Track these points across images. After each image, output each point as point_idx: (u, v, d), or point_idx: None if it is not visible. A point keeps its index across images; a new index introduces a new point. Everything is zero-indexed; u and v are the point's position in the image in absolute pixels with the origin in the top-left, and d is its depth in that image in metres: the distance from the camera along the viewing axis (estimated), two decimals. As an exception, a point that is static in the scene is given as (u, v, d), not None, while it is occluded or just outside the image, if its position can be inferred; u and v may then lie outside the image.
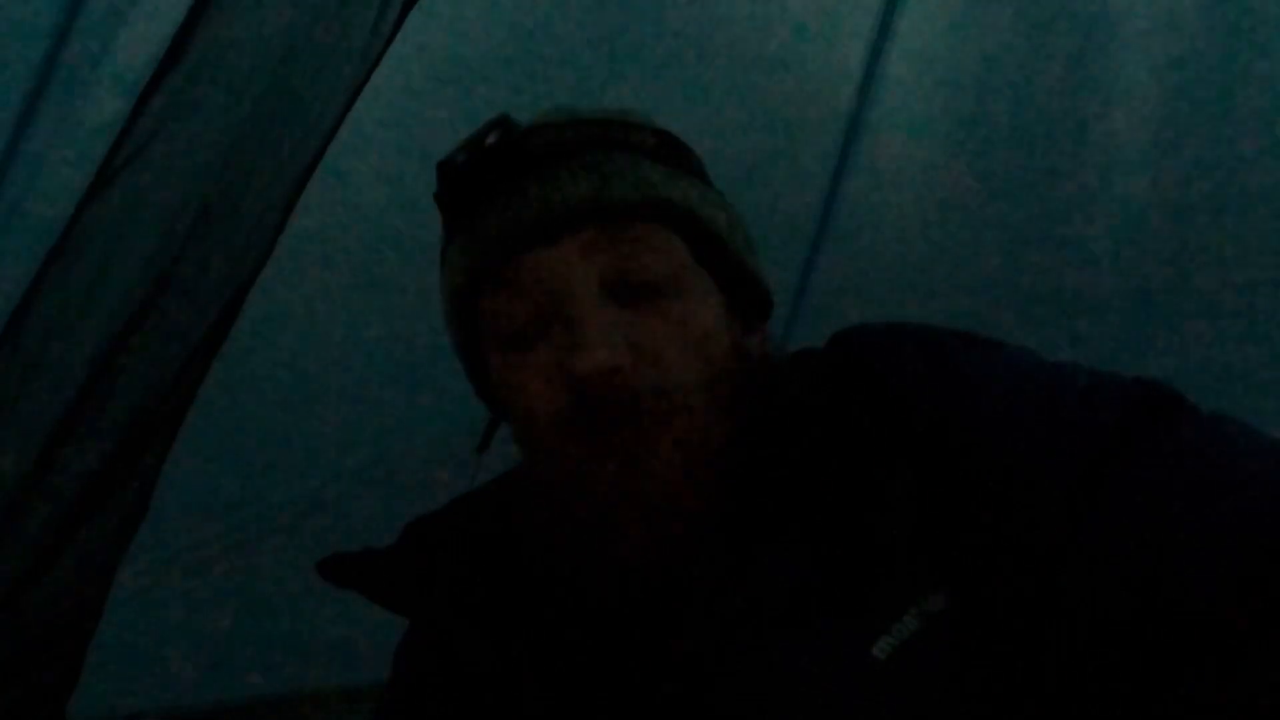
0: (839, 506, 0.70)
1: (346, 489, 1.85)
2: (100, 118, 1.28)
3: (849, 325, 0.80)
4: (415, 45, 1.56)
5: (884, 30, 1.83)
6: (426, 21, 1.51)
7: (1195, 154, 1.86)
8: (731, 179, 0.85)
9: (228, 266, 1.00)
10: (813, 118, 1.89)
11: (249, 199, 0.99)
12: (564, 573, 0.78)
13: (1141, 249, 1.92)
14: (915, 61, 1.87)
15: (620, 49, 1.71)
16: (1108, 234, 1.92)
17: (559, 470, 0.73)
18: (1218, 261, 1.90)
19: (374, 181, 1.70)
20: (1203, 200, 1.88)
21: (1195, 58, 1.81)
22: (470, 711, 0.77)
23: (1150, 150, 1.87)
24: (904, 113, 1.91)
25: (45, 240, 1.04)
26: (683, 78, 1.76)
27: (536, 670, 0.75)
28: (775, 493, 0.72)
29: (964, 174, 1.93)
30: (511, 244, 0.74)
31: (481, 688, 0.77)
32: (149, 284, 1.01)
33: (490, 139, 0.76)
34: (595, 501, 0.71)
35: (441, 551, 0.80)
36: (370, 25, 0.93)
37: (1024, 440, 0.67)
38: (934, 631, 0.66)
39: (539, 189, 0.74)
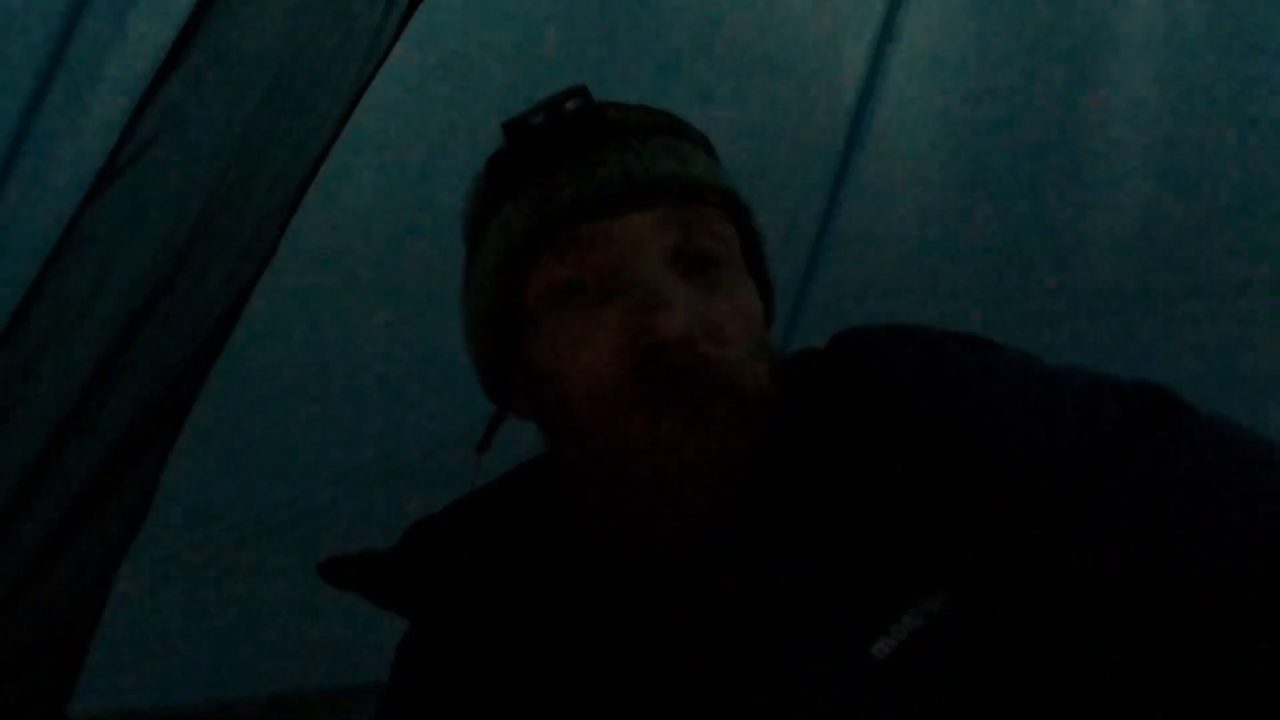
0: (839, 506, 0.70)
1: (346, 490, 1.85)
2: (103, 117, 1.28)
3: (850, 326, 0.80)
4: (417, 45, 1.56)
5: (886, 32, 1.83)
6: (428, 21, 1.51)
7: (1196, 156, 1.87)
8: (734, 180, 0.86)
9: (229, 267, 1.00)
10: (815, 119, 1.90)
11: (251, 200, 0.99)
12: (569, 571, 0.78)
13: (1142, 251, 1.92)
14: (917, 64, 1.87)
15: (622, 50, 1.71)
16: (1109, 235, 1.92)
17: (611, 436, 0.72)
18: (1218, 263, 1.90)
19: (375, 181, 1.70)
20: (1203, 202, 1.88)
21: (1196, 60, 1.81)
22: (471, 712, 0.78)
23: (1151, 152, 1.87)
24: (906, 114, 1.91)
25: (47, 240, 1.04)
26: (685, 78, 1.77)
27: (537, 670, 0.75)
28: (776, 492, 0.72)
29: (966, 175, 1.93)
30: (587, 209, 0.74)
31: (482, 688, 0.77)
32: (150, 285, 1.01)
33: (570, 105, 0.77)
34: (648, 464, 0.71)
35: (443, 553, 0.80)
36: (375, 26, 0.92)
37: (1024, 441, 0.67)
38: (933, 631, 0.67)
39: (622, 159, 0.75)
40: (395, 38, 0.94)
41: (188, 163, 0.99)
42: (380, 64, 0.95)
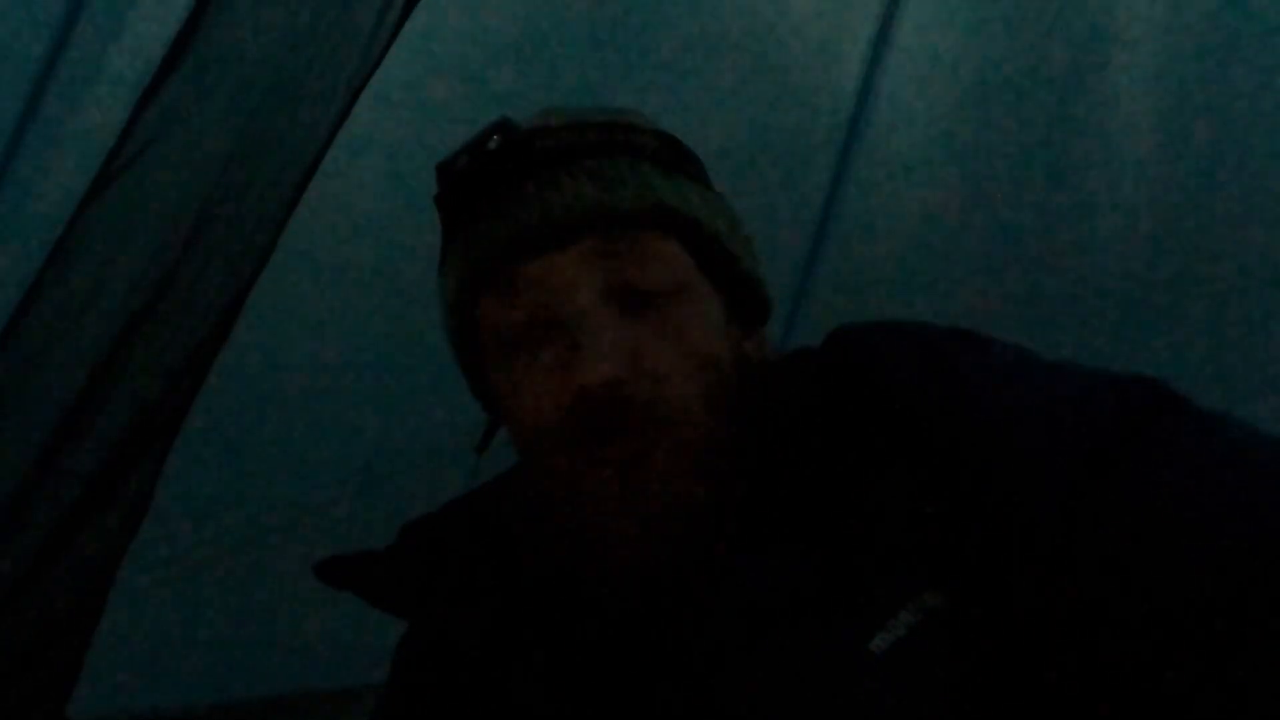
0: (836, 504, 0.70)
1: (344, 490, 1.85)
2: (101, 118, 1.28)
3: (844, 323, 0.80)
4: (415, 44, 1.56)
5: (884, 32, 1.83)
6: (427, 20, 1.51)
7: (1195, 155, 1.87)
8: (732, 180, 0.85)
9: (228, 267, 1.00)
10: (814, 119, 1.90)
11: (250, 199, 1.00)
12: (561, 574, 0.78)
13: (1141, 249, 1.92)
14: (915, 63, 1.87)
15: (621, 50, 1.71)
16: (1108, 235, 1.92)
17: (557, 478, 0.73)
18: (1217, 262, 1.90)
19: (374, 181, 1.70)
20: (1203, 201, 1.88)
21: (1195, 60, 1.81)
22: (469, 712, 0.78)
23: (1150, 151, 1.87)
24: (904, 114, 1.91)
25: (46, 240, 1.05)
26: (684, 78, 1.76)
27: (535, 670, 0.75)
28: (773, 492, 0.72)
29: (964, 174, 1.93)
30: (512, 250, 0.73)
31: (480, 688, 0.77)
32: (149, 285, 1.01)
33: (492, 142, 0.76)
34: (593, 509, 0.71)
35: (439, 552, 0.80)
36: (372, 25, 0.93)
37: (1022, 437, 0.67)
38: (931, 628, 0.67)
39: (542, 194, 0.73)
40: (393, 37, 0.94)
41: (186, 163, 0.99)
42: (378, 63, 0.95)
